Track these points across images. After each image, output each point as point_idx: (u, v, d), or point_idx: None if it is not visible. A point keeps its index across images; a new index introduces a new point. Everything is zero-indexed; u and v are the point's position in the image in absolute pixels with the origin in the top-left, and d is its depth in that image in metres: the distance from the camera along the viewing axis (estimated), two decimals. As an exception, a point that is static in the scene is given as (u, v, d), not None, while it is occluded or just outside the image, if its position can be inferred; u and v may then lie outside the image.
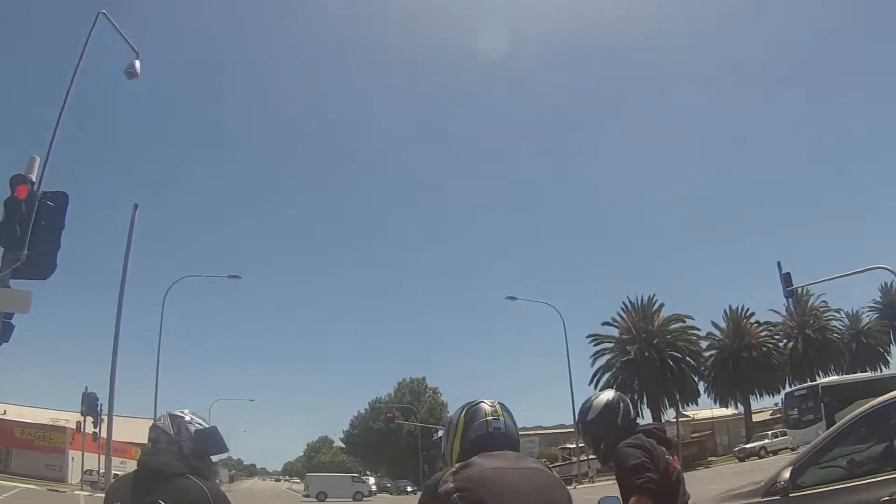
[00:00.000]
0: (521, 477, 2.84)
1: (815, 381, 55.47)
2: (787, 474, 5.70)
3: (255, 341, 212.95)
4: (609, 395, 4.70)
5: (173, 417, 3.93)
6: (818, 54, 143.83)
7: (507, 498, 2.70)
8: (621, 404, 4.57)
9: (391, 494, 70.52)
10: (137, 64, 15.01)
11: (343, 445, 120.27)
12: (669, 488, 4.11)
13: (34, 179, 10.62)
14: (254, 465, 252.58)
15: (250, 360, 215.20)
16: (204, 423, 3.97)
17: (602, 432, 4.53)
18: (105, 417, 43.82)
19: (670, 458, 4.29)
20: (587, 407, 4.67)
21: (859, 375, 52.98)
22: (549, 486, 2.89)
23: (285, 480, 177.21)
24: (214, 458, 4.10)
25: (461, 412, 3.26)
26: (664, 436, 4.47)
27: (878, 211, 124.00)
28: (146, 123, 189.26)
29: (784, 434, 47.24)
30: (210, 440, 3.92)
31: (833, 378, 58.15)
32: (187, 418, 3.93)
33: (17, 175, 10.28)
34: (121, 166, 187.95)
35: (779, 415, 57.72)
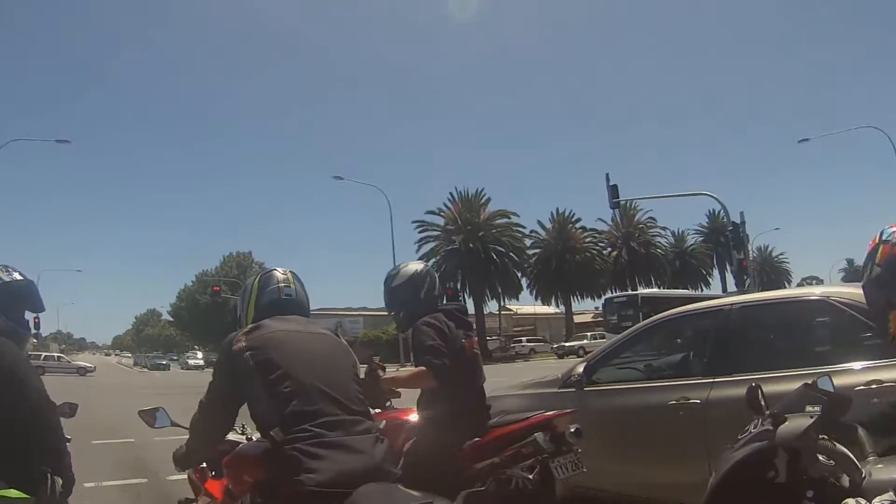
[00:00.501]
0: (309, 340, 3.04)
1: (637, 290, 58.56)
2: (580, 369, 6.02)
3: (85, 210, 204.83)
4: (418, 266, 4.84)
5: None
6: None
7: (295, 358, 2.87)
8: (427, 279, 4.71)
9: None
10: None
11: (171, 319, 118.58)
12: (466, 369, 4.43)
13: None
14: (84, 339, 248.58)
15: (79, 229, 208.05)
16: (14, 278, 3.55)
17: (404, 301, 4.69)
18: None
19: (466, 340, 4.52)
20: (394, 273, 4.78)
21: (679, 291, 56.17)
22: (335, 349, 3.11)
23: (115, 354, 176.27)
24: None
25: (255, 279, 3.44)
26: (464, 318, 4.67)
27: (713, 140, 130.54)
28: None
29: (603, 337, 48.24)
30: (18, 295, 3.54)
31: (654, 290, 61.65)
32: None
33: None
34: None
35: (601, 318, 60.10)
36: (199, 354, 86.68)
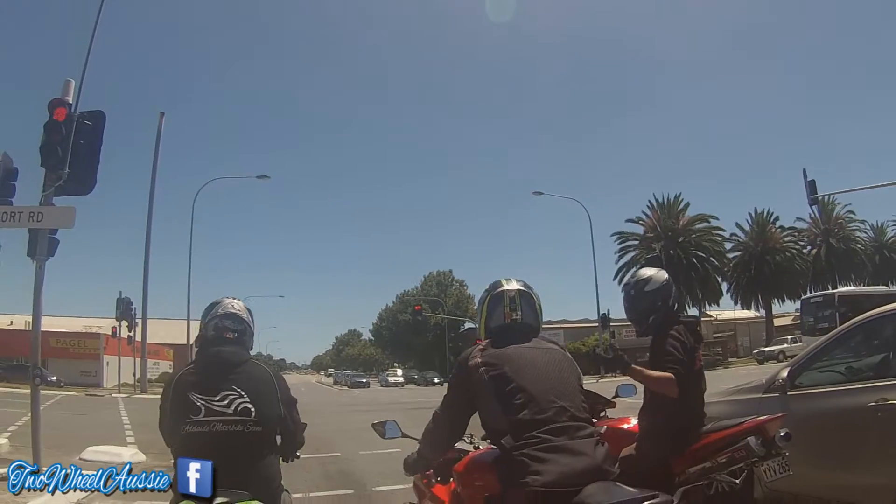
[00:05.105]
0: (538, 354, 3.25)
1: (835, 289, 54.59)
2: (784, 374, 6.11)
3: (285, 240, 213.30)
4: (664, 274, 4.92)
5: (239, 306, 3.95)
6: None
7: (526, 372, 3.12)
8: (673, 288, 4.86)
9: (418, 385, 71.87)
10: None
11: (371, 338, 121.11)
12: (693, 382, 4.48)
13: (71, 101, 10.62)
14: (283, 361, 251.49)
15: (280, 259, 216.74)
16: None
17: (655, 307, 4.77)
18: (139, 321, 46.07)
19: (697, 354, 4.61)
20: (646, 278, 4.87)
21: (877, 287, 51.94)
22: (562, 363, 3.29)
23: (321, 374, 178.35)
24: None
25: (484, 302, 3.61)
26: (698, 331, 4.74)
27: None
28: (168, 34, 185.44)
29: (800, 340, 45.94)
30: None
31: (850, 288, 57.17)
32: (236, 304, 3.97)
33: (55, 99, 10.38)
34: (147, 78, 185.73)
35: (799, 320, 55.70)
36: (399, 372, 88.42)
